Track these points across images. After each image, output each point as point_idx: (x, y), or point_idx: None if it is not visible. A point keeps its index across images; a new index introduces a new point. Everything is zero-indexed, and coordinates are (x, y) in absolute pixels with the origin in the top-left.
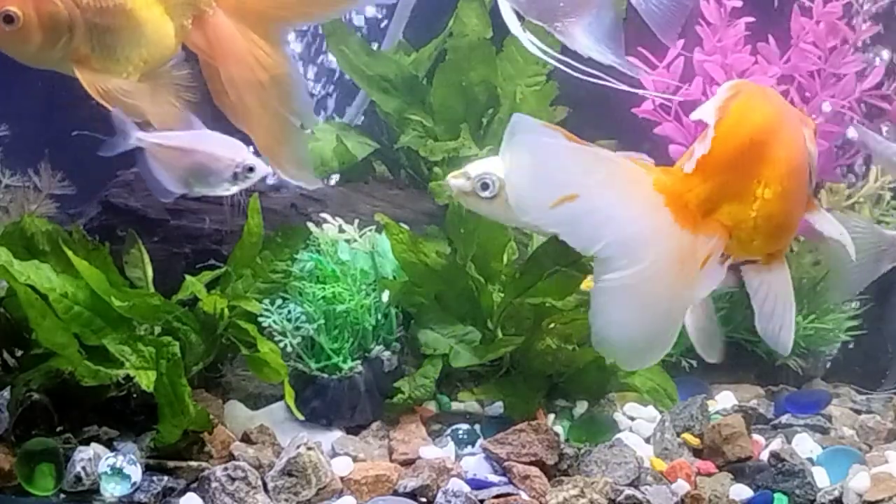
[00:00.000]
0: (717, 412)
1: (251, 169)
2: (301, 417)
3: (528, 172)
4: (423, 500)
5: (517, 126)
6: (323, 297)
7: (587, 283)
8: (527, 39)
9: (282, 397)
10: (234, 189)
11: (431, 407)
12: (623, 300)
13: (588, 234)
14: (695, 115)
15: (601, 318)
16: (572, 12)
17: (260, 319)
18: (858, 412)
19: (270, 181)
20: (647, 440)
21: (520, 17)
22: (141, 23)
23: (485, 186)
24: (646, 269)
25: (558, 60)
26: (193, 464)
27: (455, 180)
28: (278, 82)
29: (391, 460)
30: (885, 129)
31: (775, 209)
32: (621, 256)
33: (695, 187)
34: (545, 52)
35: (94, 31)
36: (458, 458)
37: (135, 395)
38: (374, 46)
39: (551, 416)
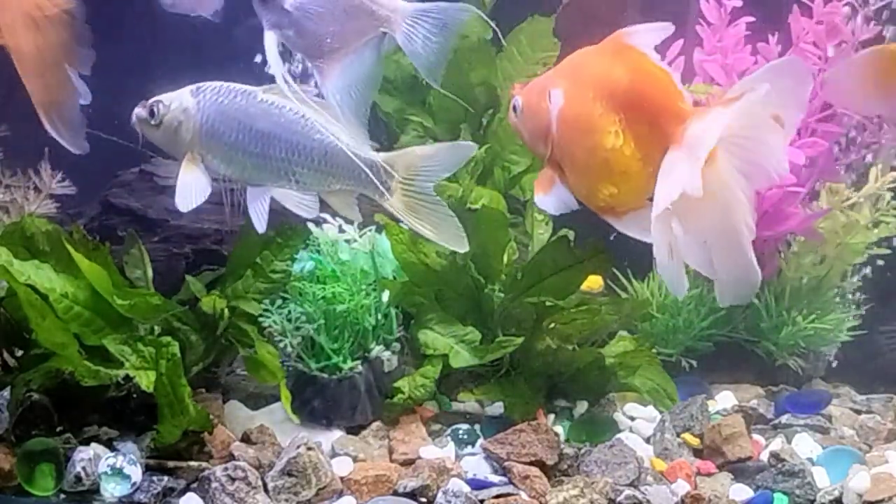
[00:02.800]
0: (717, 412)
1: None
2: (297, 421)
3: None
4: (423, 500)
5: None
6: (323, 297)
7: (587, 284)
8: (282, 81)
9: None
10: None
11: (431, 407)
12: None
13: None
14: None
15: None
16: (336, 51)
17: (260, 319)
18: (858, 412)
19: None
20: (647, 440)
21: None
22: None
23: (151, 113)
24: None
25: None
26: (193, 464)
27: (137, 108)
28: (56, 27)
29: (391, 460)
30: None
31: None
32: None
33: None
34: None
35: None
36: (458, 458)
37: (135, 395)
38: None
39: (551, 416)
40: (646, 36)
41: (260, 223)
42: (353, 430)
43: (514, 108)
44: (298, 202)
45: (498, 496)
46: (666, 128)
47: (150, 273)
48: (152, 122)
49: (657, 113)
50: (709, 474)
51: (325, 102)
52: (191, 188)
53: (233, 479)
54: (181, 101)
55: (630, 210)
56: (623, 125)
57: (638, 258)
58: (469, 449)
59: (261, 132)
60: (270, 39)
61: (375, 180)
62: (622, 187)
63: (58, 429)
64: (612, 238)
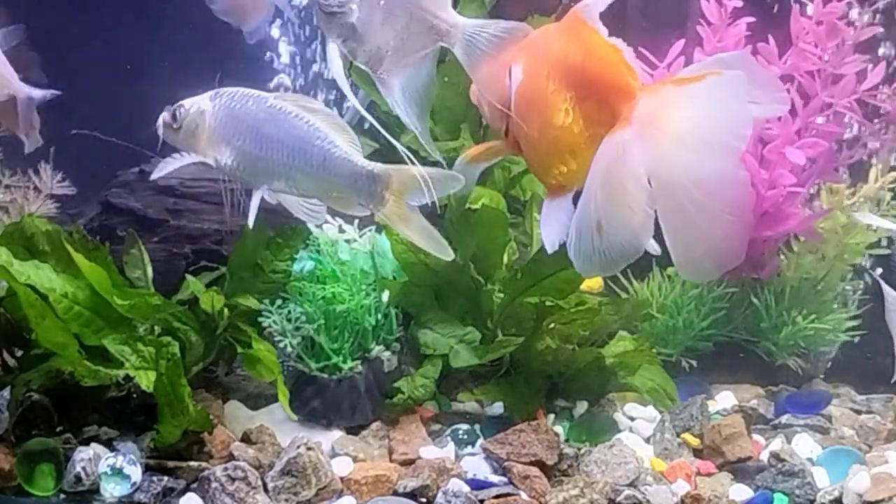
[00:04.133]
0: (717, 412)
1: None
2: (294, 417)
3: None
4: (423, 500)
5: None
6: (323, 298)
7: (587, 284)
8: (349, 92)
9: None
10: None
11: (431, 407)
12: None
13: None
14: None
15: None
16: (395, 63)
17: (260, 320)
18: (858, 412)
19: None
20: (647, 440)
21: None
22: None
23: (173, 117)
24: None
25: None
26: (193, 464)
27: (163, 114)
28: None
29: (391, 460)
30: None
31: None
32: None
33: None
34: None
35: None
36: (458, 458)
37: (135, 395)
38: None
39: (551, 416)
40: (591, 8)
41: (252, 221)
42: (353, 430)
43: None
44: (306, 210)
45: (498, 496)
46: (614, 106)
47: (150, 273)
48: (174, 126)
49: (605, 91)
50: (709, 474)
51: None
52: None
53: (233, 479)
54: (199, 105)
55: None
56: (573, 103)
57: (638, 258)
58: (469, 449)
59: (265, 136)
60: (334, 52)
61: (369, 191)
62: (571, 165)
63: (58, 429)
64: None
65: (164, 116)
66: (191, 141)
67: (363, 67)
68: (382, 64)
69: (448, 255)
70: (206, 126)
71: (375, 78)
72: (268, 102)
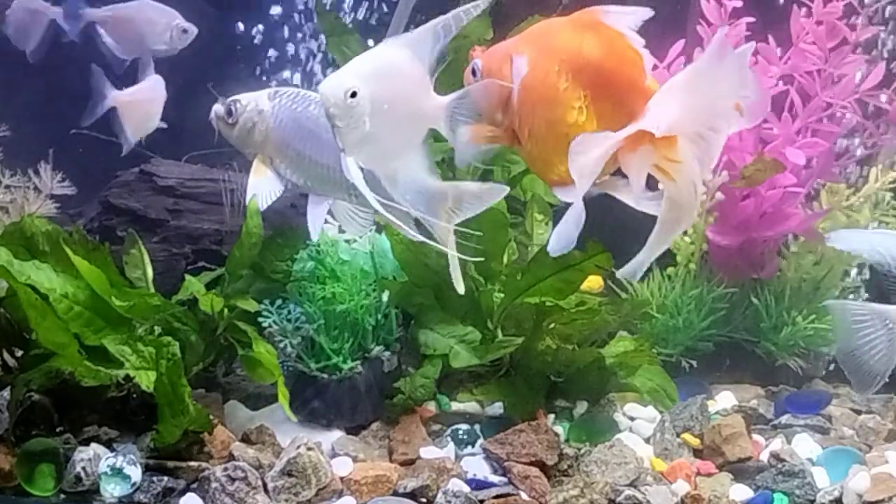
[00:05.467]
0: (717, 412)
1: (185, 31)
2: (295, 419)
3: None
4: (423, 500)
5: None
6: (323, 298)
7: (587, 283)
8: (375, 203)
9: None
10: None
11: (431, 407)
12: None
13: None
14: None
15: None
16: (396, 157)
17: (260, 320)
18: (858, 412)
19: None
20: (647, 440)
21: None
22: None
23: (228, 112)
24: None
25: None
26: (193, 464)
27: (217, 105)
28: None
29: (391, 460)
30: None
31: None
32: None
33: None
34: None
35: None
36: (458, 458)
37: (134, 395)
38: None
39: (551, 417)
40: (624, 17)
41: (315, 231)
42: (353, 431)
43: (474, 72)
44: (350, 217)
45: (498, 496)
46: (632, 107)
47: (150, 273)
48: (229, 121)
49: (624, 92)
50: (709, 474)
51: None
52: (261, 190)
53: (233, 480)
54: (258, 103)
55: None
56: (587, 101)
57: None
58: (469, 449)
59: (328, 143)
60: (354, 166)
61: (429, 206)
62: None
63: (58, 429)
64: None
65: (218, 109)
66: (246, 139)
67: (373, 170)
68: (391, 162)
69: (460, 286)
70: (265, 126)
71: (382, 177)
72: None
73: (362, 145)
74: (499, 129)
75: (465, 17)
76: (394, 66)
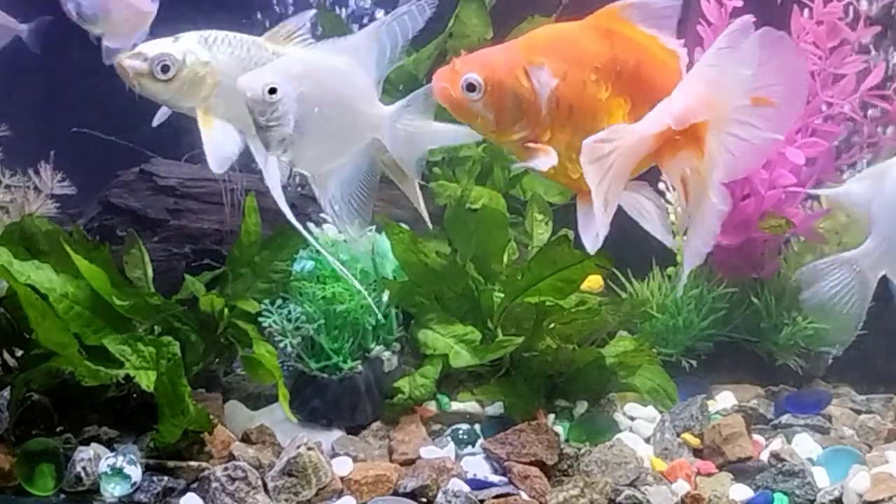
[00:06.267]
0: (717, 412)
1: None
2: (294, 420)
3: None
4: (423, 500)
5: None
6: (323, 297)
7: (588, 283)
8: (285, 207)
9: None
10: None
11: (431, 407)
12: None
13: None
14: None
15: None
16: (332, 162)
17: (260, 319)
18: (858, 412)
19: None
20: (647, 440)
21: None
22: None
23: (165, 69)
24: None
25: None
26: (193, 464)
27: (130, 61)
28: None
29: (391, 460)
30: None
31: None
32: None
33: None
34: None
35: None
36: (458, 458)
37: (135, 395)
38: None
39: (551, 416)
40: (649, 10)
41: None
42: (353, 430)
43: (472, 87)
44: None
45: (498, 496)
46: None
47: (150, 273)
48: (163, 77)
49: (664, 93)
50: (709, 474)
51: None
52: (223, 143)
53: (233, 479)
54: (196, 54)
55: None
56: (628, 107)
57: (638, 258)
58: (469, 449)
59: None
60: (273, 166)
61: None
62: None
63: (58, 429)
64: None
65: (137, 65)
66: (188, 94)
67: (304, 173)
68: (320, 168)
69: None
70: (213, 79)
71: (312, 180)
72: (268, 50)
73: (286, 145)
74: (517, 141)
75: (412, 22)
76: (329, 69)
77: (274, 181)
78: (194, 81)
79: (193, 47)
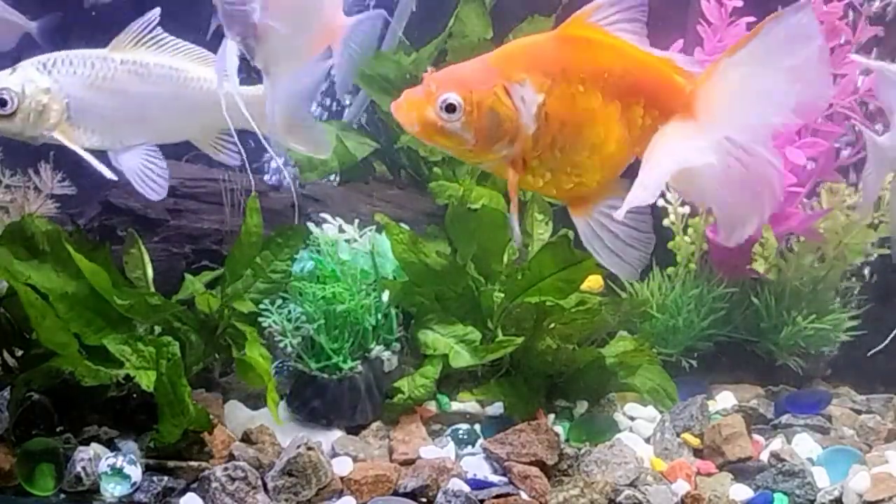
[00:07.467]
0: (717, 412)
1: None
2: (281, 424)
3: None
4: (423, 500)
5: None
6: (323, 297)
7: (588, 283)
8: (236, 83)
9: (282, 398)
10: None
11: (431, 407)
12: None
13: None
14: None
15: None
16: (289, 63)
17: (260, 319)
18: (858, 412)
19: (270, 181)
20: (647, 440)
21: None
22: None
23: (3, 103)
24: None
25: None
26: (193, 464)
27: None
28: None
29: (391, 460)
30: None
31: None
32: None
33: None
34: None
35: None
36: (458, 458)
37: (134, 395)
38: None
39: (551, 416)
40: (612, 11)
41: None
42: (353, 430)
43: (452, 108)
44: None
45: (498, 496)
46: (666, 105)
47: (150, 273)
48: (3, 112)
49: (654, 93)
50: (709, 474)
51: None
52: (140, 168)
53: (233, 479)
54: (35, 82)
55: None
56: (620, 113)
57: None
58: (469, 449)
59: (136, 96)
60: (232, 49)
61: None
62: (605, 175)
63: (58, 429)
64: None
65: None
66: (35, 125)
67: (260, 66)
68: (276, 64)
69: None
70: (59, 106)
71: (265, 75)
72: (116, 61)
73: (250, 34)
74: (512, 179)
75: None
76: None
77: (231, 67)
78: (38, 111)
79: (31, 75)
